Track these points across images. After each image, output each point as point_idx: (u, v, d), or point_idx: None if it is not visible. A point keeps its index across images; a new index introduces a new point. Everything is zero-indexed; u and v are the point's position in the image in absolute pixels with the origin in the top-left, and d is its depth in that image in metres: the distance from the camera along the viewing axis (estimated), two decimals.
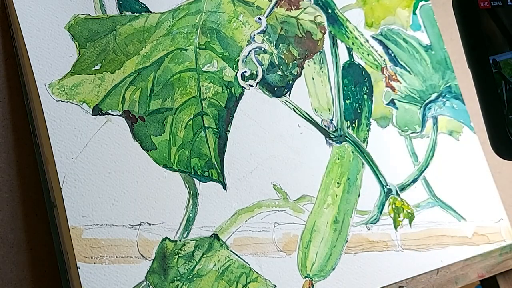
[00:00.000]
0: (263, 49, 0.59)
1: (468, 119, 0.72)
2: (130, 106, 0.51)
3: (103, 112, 0.50)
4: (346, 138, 0.62)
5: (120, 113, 0.50)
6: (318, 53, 0.62)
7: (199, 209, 0.52)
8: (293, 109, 0.59)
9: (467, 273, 0.67)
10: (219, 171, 0.54)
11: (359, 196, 0.61)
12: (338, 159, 0.61)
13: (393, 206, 0.63)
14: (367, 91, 0.65)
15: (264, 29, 0.60)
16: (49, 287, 0.48)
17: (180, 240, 0.50)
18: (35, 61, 0.48)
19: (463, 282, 0.66)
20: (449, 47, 0.73)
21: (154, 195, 0.50)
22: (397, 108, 0.66)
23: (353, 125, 0.63)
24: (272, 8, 0.61)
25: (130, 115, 0.51)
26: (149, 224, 0.49)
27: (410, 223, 0.63)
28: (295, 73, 0.60)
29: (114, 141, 0.49)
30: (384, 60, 0.67)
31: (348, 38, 0.65)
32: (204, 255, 0.51)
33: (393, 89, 0.67)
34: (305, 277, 0.55)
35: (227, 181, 0.54)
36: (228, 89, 0.56)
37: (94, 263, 0.46)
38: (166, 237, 0.50)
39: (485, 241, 0.68)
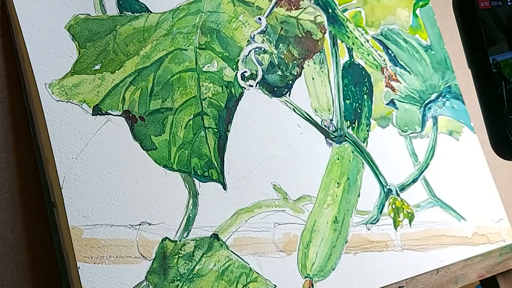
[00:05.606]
0: (263, 49, 0.59)
1: (468, 119, 0.72)
2: (130, 106, 0.51)
3: (103, 112, 0.50)
4: (346, 138, 0.62)
5: (120, 113, 0.50)
6: (318, 53, 0.62)
7: (199, 209, 0.52)
8: (293, 109, 0.59)
9: (467, 273, 0.67)
10: (219, 171, 0.54)
11: (359, 196, 0.61)
12: (338, 159, 0.61)
13: (393, 206, 0.63)
14: (367, 91, 0.65)
15: (264, 29, 0.60)
16: (49, 287, 0.48)
17: (180, 240, 0.50)
18: (35, 61, 0.48)
19: (463, 282, 0.66)
20: (449, 47, 0.73)
21: (154, 195, 0.50)
22: (397, 108, 0.66)
23: (353, 125, 0.63)
24: (272, 8, 0.61)
25: (130, 115, 0.51)
26: (149, 224, 0.49)
27: (410, 223, 0.63)
28: (295, 73, 0.60)
29: (114, 141, 0.49)
30: (384, 60, 0.67)
31: (348, 38, 0.65)
32: (204, 255, 0.51)
33: (393, 89, 0.67)
34: (305, 277, 0.55)
35: (227, 181, 0.54)
36: (228, 89, 0.56)
37: (94, 263, 0.46)
38: (166, 237, 0.50)
39: (485, 241, 0.68)
